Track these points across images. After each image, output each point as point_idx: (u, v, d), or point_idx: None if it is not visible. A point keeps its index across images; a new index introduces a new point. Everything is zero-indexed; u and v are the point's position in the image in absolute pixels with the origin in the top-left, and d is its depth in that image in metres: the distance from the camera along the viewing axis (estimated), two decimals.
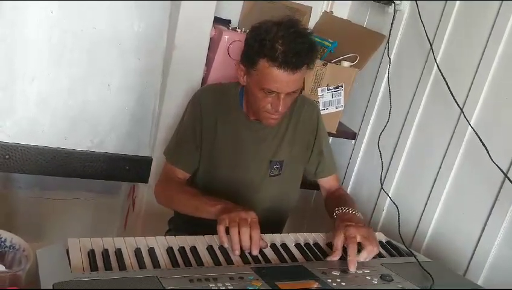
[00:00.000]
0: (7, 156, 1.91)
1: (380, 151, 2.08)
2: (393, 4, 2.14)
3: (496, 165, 1.58)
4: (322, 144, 1.74)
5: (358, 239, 1.31)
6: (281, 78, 1.42)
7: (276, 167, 1.66)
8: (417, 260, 1.37)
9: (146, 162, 2.09)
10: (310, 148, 1.72)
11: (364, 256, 1.30)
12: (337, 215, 1.46)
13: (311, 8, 2.42)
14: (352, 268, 1.25)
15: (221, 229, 1.28)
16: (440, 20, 1.92)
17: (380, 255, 1.42)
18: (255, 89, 1.49)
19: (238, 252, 1.26)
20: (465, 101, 1.76)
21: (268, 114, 1.52)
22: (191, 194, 1.54)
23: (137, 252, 1.19)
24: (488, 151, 1.60)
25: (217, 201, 1.42)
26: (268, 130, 1.63)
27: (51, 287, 0.97)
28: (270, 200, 1.69)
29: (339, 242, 1.31)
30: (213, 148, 1.63)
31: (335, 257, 1.30)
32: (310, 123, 1.72)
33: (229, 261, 1.23)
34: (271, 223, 1.64)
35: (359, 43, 2.25)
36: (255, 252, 1.27)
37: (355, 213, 1.47)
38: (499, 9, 1.69)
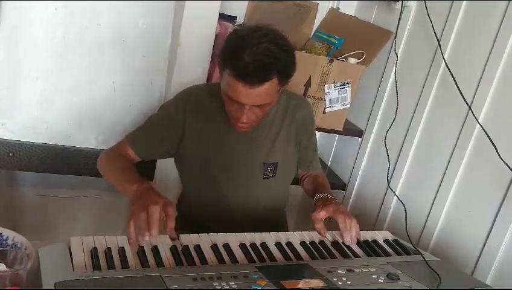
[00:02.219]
0: (11, 154, 1.91)
1: (386, 149, 2.06)
2: (400, 0, 2.12)
3: (504, 162, 1.56)
4: (315, 143, 1.77)
5: (340, 212, 1.46)
6: (240, 90, 1.36)
7: (270, 169, 1.63)
8: (424, 258, 1.35)
9: (151, 160, 2.08)
10: (304, 147, 1.71)
11: (348, 225, 1.44)
12: (317, 199, 1.58)
13: (318, 4, 2.40)
14: (347, 236, 1.43)
15: (131, 226, 1.20)
16: (448, 16, 1.90)
17: (386, 253, 1.42)
18: (222, 92, 1.45)
19: (147, 238, 1.17)
20: (473, 98, 1.74)
21: (234, 120, 1.48)
22: (120, 167, 1.49)
23: (141, 251, 1.18)
24: (496, 149, 1.59)
25: (136, 181, 1.35)
26: (259, 130, 1.59)
27: (53, 287, 0.96)
28: (264, 201, 1.66)
29: (320, 215, 1.46)
30: (200, 151, 1.59)
31: (322, 231, 1.45)
32: (305, 122, 1.70)
33: (234, 260, 1.22)
34: (268, 222, 1.63)
35: (366, 40, 2.23)
36: (171, 224, 1.20)
37: (333, 197, 1.59)
38: (508, 5, 1.66)
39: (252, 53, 1.32)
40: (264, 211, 1.66)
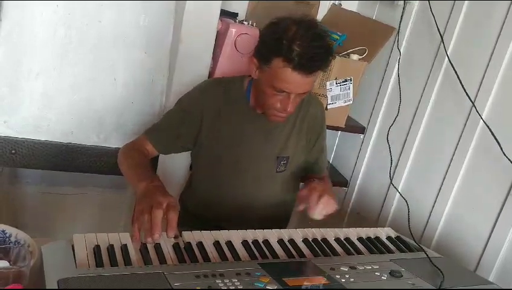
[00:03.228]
0: (13, 151, 1.91)
1: (389, 146, 2.06)
2: (402, 0, 2.11)
3: (508, 159, 1.56)
4: (323, 142, 1.77)
5: (319, 192, 1.40)
6: (293, 80, 1.40)
7: (283, 163, 1.65)
8: (427, 255, 1.35)
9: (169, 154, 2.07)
10: (312, 145, 1.72)
11: (321, 206, 1.38)
12: (306, 183, 1.58)
13: (319, 3, 2.40)
14: (312, 214, 1.38)
15: (135, 225, 1.19)
16: (451, 12, 1.90)
17: (389, 250, 1.42)
18: (265, 85, 1.47)
19: (150, 240, 1.17)
20: (477, 94, 1.74)
21: (276, 112, 1.51)
22: (135, 163, 1.51)
23: (143, 248, 1.18)
24: (500, 145, 1.58)
25: (145, 177, 1.36)
26: (275, 124, 1.61)
27: (56, 284, 0.96)
28: (275, 195, 1.68)
29: (302, 192, 1.42)
30: (216, 143, 1.61)
31: (299, 208, 1.42)
32: (316, 121, 1.71)
33: (236, 257, 1.22)
34: (276, 219, 1.63)
35: (368, 36, 2.22)
36: (170, 234, 1.19)
37: (322, 183, 1.53)
38: None
39: (302, 44, 1.37)
40: (273, 205, 1.67)
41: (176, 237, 1.24)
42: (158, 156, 2.00)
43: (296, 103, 1.48)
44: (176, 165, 2.02)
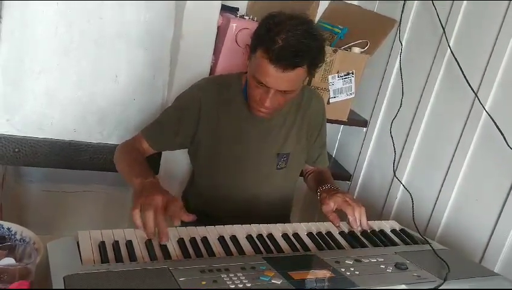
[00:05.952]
0: (17, 150, 1.91)
1: (392, 139, 2.06)
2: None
3: None
4: (324, 137, 1.77)
5: (349, 202, 1.46)
6: (270, 73, 1.38)
7: (283, 160, 1.64)
8: (432, 248, 1.35)
9: (155, 153, 2.07)
10: (313, 140, 1.72)
11: (358, 215, 1.45)
12: (321, 191, 1.57)
13: (319, 3, 2.38)
14: (355, 226, 1.44)
15: (135, 215, 1.20)
16: (453, 3, 1.88)
17: (394, 243, 1.42)
18: (249, 75, 1.47)
19: (152, 236, 1.19)
20: (480, 85, 1.73)
21: (256, 105, 1.49)
22: (131, 160, 1.51)
23: (148, 244, 1.18)
24: (504, 136, 1.58)
25: (140, 174, 1.38)
26: (274, 121, 1.61)
27: (62, 280, 0.96)
28: (275, 192, 1.68)
29: (330, 206, 1.48)
30: (215, 141, 1.60)
31: (336, 221, 1.45)
32: (317, 117, 1.71)
33: (241, 252, 1.22)
34: (277, 215, 1.63)
35: (370, 29, 2.21)
36: (176, 223, 1.22)
37: (337, 188, 1.59)
38: None
39: (287, 38, 1.35)
40: (273, 202, 1.67)
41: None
42: (160, 153, 2.00)
43: (277, 100, 1.45)
44: (178, 162, 2.02)
